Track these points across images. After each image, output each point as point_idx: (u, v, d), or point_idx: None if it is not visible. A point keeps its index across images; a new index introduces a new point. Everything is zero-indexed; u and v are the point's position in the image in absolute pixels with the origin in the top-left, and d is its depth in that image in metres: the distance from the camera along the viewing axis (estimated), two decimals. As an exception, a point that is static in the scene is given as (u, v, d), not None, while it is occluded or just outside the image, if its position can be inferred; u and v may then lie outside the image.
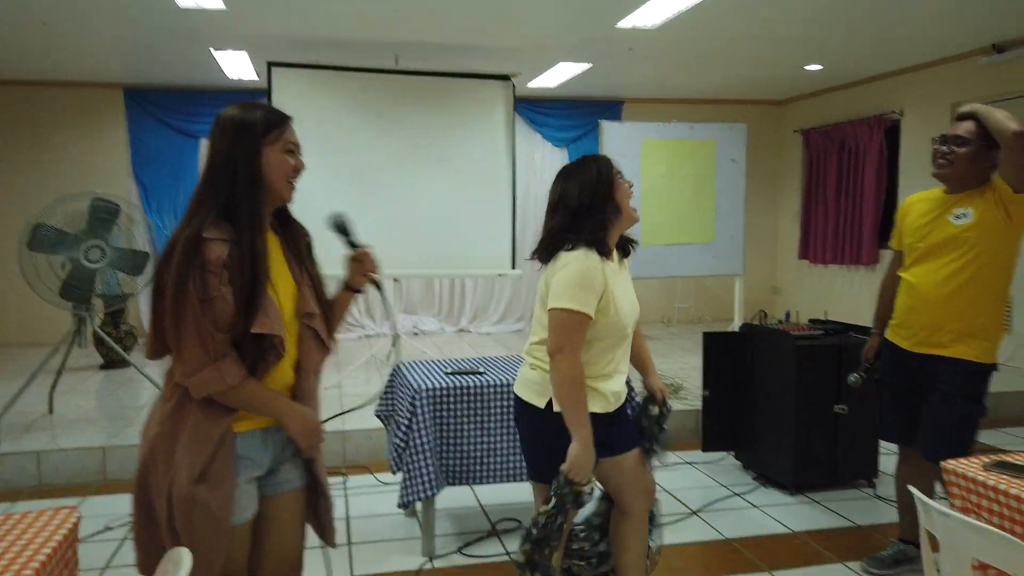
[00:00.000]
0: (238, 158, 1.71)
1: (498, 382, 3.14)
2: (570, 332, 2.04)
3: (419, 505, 3.29)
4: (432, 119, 6.16)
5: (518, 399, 2.23)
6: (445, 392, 3.07)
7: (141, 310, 7.60)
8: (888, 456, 3.95)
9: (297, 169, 1.81)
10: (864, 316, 7.34)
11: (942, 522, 1.68)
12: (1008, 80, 5.99)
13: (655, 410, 2.35)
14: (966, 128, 2.63)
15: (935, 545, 1.75)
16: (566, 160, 8.55)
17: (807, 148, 8.52)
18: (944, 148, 2.67)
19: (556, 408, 2.10)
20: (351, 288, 1.98)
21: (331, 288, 1.95)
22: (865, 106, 7.62)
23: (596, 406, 2.13)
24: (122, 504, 3.58)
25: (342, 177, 5.90)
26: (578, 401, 2.04)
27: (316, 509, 1.93)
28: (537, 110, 8.37)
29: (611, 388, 2.18)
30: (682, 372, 5.92)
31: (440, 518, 3.45)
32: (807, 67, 7.03)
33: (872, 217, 7.45)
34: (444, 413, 3.08)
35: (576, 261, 2.07)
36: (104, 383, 5.79)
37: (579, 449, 2.03)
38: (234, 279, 1.66)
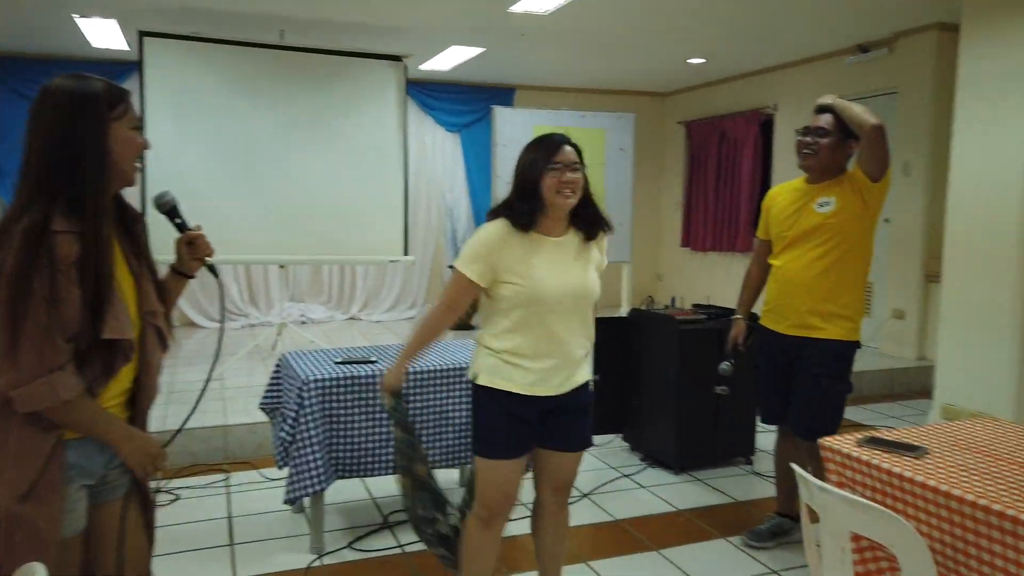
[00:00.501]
0: (84, 136, 1.52)
1: (390, 371, 3.06)
2: (450, 287, 2.21)
3: (307, 500, 3.17)
4: (320, 99, 5.94)
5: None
6: (334, 382, 2.97)
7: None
8: (764, 434, 4.16)
9: (144, 148, 1.65)
10: (757, 299, 7.69)
11: (821, 497, 1.76)
12: (871, 78, 6.41)
13: None
14: (826, 120, 2.80)
15: (814, 518, 1.84)
16: (458, 146, 8.50)
17: (689, 139, 8.83)
18: (808, 139, 2.82)
19: (479, 381, 2.20)
20: (183, 274, 1.80)
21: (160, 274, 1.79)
22: (743, 100, 7.98)
23: (513, 383, 2.15)
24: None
25: (222, 158, 5.59)
26: (420, 338, 2.25)
27: (142, 520, 1.78)
28: (429, 94, 8.26)
29: (525, 368, 2.15)
30: (572, 357, 6.01)
31: (329, 513, 3.35)
32: (690, 60, 7.27)
33: (748, 207, 7.82)
34: (334, 404, 2.97)
35: (481, 230, 2.19)
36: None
37: (390, 369, 2.29)
38: (82, 278, 1.49)
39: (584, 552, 3.07)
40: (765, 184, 7.75)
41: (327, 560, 2.97)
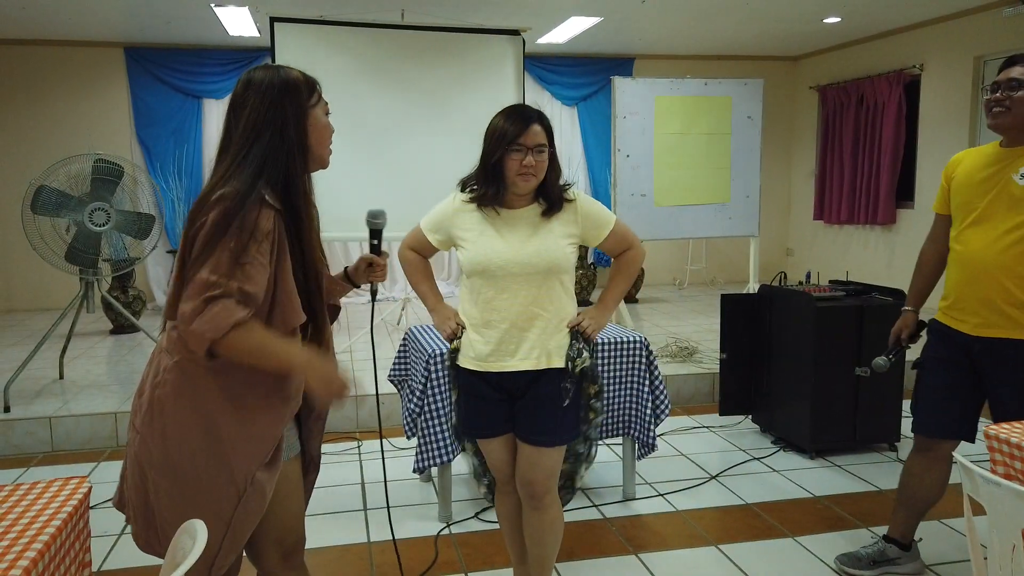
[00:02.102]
0: (287, 121, 1.61)
1: (514, 346, 3.06)
2: (412, 234, 2.33)
3: (435, 470, 3.24)
4: (441, 76, 6.00)
5: None
6: (461, 356, 3.00)
7: (149, 274, 7.55)
8: (911, 420, 3.88)
9: (333, 134, 1.75)
10: (880, 276, 7.21)
11: (989, 490, 1.61)
12: (1035, 32, 5.79)
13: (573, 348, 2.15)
14: (1021, 71, 2.29)
15: (977, 512, 1.68)
16: (575, 119, 8.39)
17: (823, 105, 8.32)
18: (998, 95, 2.32)
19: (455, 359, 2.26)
20: (351, 281, 1.94)
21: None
22: (884, 61, 7.42)
23: (469, 359, 2.16)
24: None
25: (347, 137, 5.77)
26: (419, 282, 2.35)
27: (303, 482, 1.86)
28: (546, 67, 8.19)
29: (479, 340, 2.13)
30: (695, 335, 5.85)
31: (456, 483, 3.41)
32: (825, 20, 6.82)
33: (889, 176, 7.30)
34: (460, 377, 3.01)
35: (446, 200, 2.27)
36: (114, 348, 5.75)
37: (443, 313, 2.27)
38: (275, 252, 1.58)
39: (714, 534, 2.97)
40: (910, 151, 7.20)
41: (455, 529, 3.03)
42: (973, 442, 2.54)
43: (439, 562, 2.78)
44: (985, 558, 1.67)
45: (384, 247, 1.99)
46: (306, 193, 1.65)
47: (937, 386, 2.55)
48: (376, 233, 1.95)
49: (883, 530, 2.79)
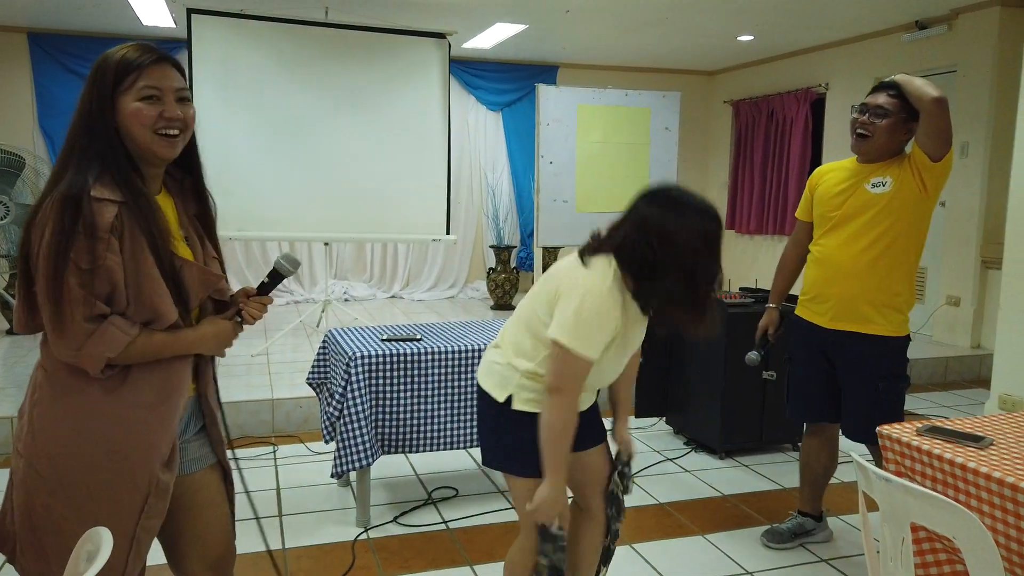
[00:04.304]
0: (92, 108, 1.50)
1: (435, 349, 3.07)
2: (573, 375, 1.86)
3: (353, 475, 3.21)
4: (364, 77, 5.95)
5: (479, 386, 2.10)
6: (381, 359, 2.99)
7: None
8: (812, 420, 4.09)
9: (165, 117, 1.51)
10: (792, 286, 7.52)
11: (882, 487, 1.71)
12: (929, 56, 6.19)
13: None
14: (887, 99, 2.57)
15: (872, 507, 1.79)
16: (500, 125, 8.44)
17: (736, 119, 8.66)
18: (864, 118, 2.61)
19: (516, 406, 1.99)
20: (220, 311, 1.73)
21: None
22: (792, 78, 7.78)
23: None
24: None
25: (269, 136, 5.63)
26: (561, 446, 1.90)
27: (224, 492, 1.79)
28: (471, 72, 8.22)
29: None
30: (614, 339, 5.97)
31: (375, 487, 3.38)
32: (739, 37, 7.10)
33: (797, 188, 7.65)
34: (380, 380, 2.99)
35: (597, 295, 1.83)
36: (11, 349, 5.43)
37: (547, 492, 1.90)
38: (125, 247, 1.47)
39: (627, 533, 3.05)
40: (816, 165, 7.57)
41: (373, 534, 3.01)
42: (838, 423, 2.80)
43: (356, 567, 2.75)
44: (878, 551, 1.78)
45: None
46: (130, 184, 1.50)
47: (804, 377, 2.85)
48: (279, 277, 1.75)
49: (784, 525, 2.98)
